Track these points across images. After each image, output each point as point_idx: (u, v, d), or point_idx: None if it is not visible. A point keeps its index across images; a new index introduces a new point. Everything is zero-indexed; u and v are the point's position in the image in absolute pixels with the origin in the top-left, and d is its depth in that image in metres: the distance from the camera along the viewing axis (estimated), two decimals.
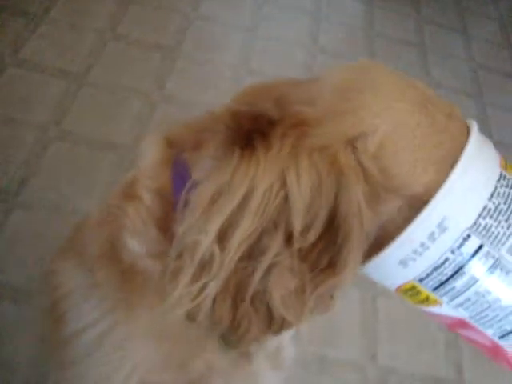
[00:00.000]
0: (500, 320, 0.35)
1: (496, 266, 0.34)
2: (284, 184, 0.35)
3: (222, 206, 0.36)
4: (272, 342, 0.57)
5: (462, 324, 0.37)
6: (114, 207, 0.49)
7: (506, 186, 0.35)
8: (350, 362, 1.13)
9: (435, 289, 0.36)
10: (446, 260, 0.35)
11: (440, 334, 1.23)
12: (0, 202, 1.15)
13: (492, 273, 0.34)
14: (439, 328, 1.24)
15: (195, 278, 0.38)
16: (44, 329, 0.56)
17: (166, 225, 0.42)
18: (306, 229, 0.35)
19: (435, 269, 0.35)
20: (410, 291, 0.38)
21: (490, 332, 0.36)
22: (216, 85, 1.51)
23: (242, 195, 0.35)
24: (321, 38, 1.87)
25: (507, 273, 0.34)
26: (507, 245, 0.34)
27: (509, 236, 0.34)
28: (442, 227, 0.34)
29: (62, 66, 1.46)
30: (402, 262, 0.36)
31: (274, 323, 0.40)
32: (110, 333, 0.49)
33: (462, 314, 0.37)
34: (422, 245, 0.35)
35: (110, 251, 0.48)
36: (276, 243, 0.36)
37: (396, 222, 0.37)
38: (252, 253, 0.36)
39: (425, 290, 0.37)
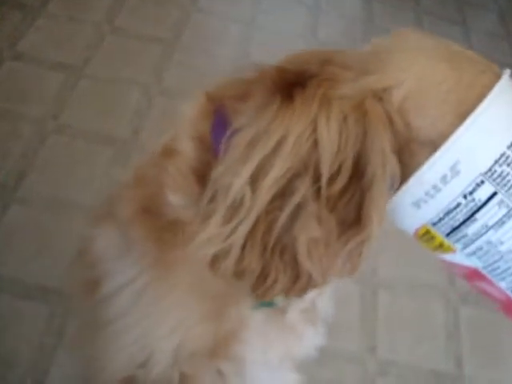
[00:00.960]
0: None
1: (510, 215, 0.33)
2: (315, 129, 0.36)
3: (257, 150, 0.37)
4: (306, 297, 0.57)
5: (476, 275, 0.37)
6: (152, 167, 0.51)
7: None
8: (349, 355, 1.13)
9: (448, 234, 0.36)
10: (458, 205, 0.34)
11: (440, 327, 1.23)
12: None
13: (505, 223, 0.33)
14: (439, 321, 1.24)
15: (226, 219, 0.39)
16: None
17: (206, 174, 0.43)
18: (334, 175, 0.37)
19: (447, 213, 0.35)
20: (425, 236, 0.38)
21: (503, 285, 0.36)
22: (215, 78, 1.50)
23: (277, 140, 0.37)
24: (320, 31, 1.86)
25: None
26: None
27: None
28: (455, 170, 0.34)
29: (59, 59, 1.45)
30: (415, 203, 0.36)
31: (300, 277, 0.41)
32: (149, 288, 0.50)
33: (475, 263, 0.36)
34: (435, 187, 0.35)
35: (149, 209, 0.50)
36: (304, 185, 0.37)
37: (413, 166, 0.38)
38: (282, 195, 0.38)
39: (438, 235, 0.36)
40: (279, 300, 0.55)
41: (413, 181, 0.35)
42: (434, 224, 0.36)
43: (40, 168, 1.22)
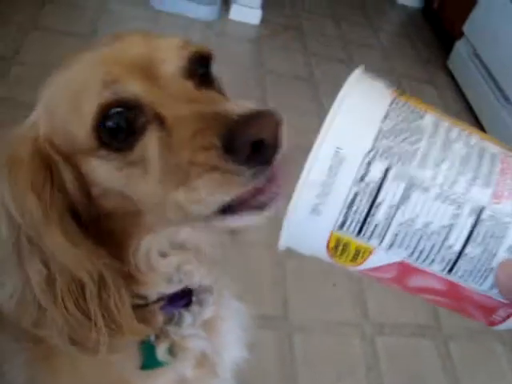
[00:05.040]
0: (439, 249, 0.32)
1: (411, 186, 0.31)
2: None
3: None
4: (193, 348, 0.59)
5: (407, 269, 0.34)
6: None
7: (401, 109, 0.33)
8: None
9: (359, 233, 0.33)
10: (357, 194, 0.32)
11: (359, 360, 1.24)
12: None
13: (410, 195, 0.31)
14: (357, 355, 1.25)
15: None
16: None
17: None
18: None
19: (349, 207, 0.32)
20: (339, 246, 0.34)
21: (436, 269, 0.33)
22: None
23: None
24: None
25: (426, 191, 0.31)
26: (415, 162, 0.31)
27: (414, 152, 0.32)
28: (339, 158, 0.31)
29: None
30: (314, 210, 0.33)
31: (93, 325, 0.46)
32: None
33: (399, 254, 0.33)
34: (324, 184, 0.32)
35: None
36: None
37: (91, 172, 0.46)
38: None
39: (350, 238, 0.33)
40: (162, 356, 0.56)
41: (300, 187, 0.32)
42: (342, 226, 0.33)
43: None
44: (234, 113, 0.39)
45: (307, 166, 0.32)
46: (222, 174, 0.39)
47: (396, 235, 0.32)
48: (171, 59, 0.46)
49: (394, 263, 0.34)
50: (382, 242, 0.33)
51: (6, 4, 1.89)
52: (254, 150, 0.38)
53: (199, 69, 0.48)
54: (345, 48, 2.39)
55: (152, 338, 0.55)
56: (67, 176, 0.46)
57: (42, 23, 1.86)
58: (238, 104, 0.40)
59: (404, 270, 0.34)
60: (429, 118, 0.33)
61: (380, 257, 0.34)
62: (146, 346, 0.55)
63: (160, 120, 0.43)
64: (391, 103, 0.34)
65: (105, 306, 0.46)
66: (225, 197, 0.40)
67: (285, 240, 0.36)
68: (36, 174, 0.45)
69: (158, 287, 0.53)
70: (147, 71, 0.44)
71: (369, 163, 0.31)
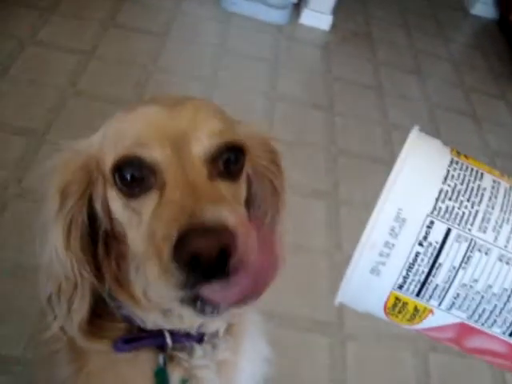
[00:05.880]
0: (501, 312, 0.32)
1: (472, 248, 0.31)
2: None
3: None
4: (206, 378, 0.62)
5: (466, 330, 0.34)
6: None
7: (460, 169, 0.34)
8: None
9: (418, 293, 0.33)
10: (417, 255, 0.32)
11: (410, 376, 1.23)
12: None
13: (471, 257, 0.32)
14: (409, 370, 1.24)
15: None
16: None
17: None
18: None
19: (410, 268, 0.32)
20: (397, 306, 0.34)
21: (497, 331, 0.33)
22: None
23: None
24: (280, 84, 1.91)
25: (487, 253, 0.32)
26: (477, 223, 0.32)
27: (475, 214, 0.32)
28: (401, 219, 0.32)
29: (22, 124, 1.46)
30: (374, 270, 0.33)
31: None
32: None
33: (458, 316, 0.33)
34: (386, 244, 0.32)
35: None
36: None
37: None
38: None
39: (409, 298, 0.33)
40: None
41: (361, 247, 0.33)
42: (401, 286, 0.33)
43: (3, 233, 1.21)
44: (203, 219, 0.43)
45: (369, 226, 0.33)
46: (161, 267, 0.43)
47: (456, 297, 0.32)
48: (203, 142, 0.51)
49: (453, 324, 0.34)
50: (441, 303, 0.33)
51: (89, 1, 1.98)
52: (194, 261, 0.41)
53: (228, 156, 0.52)
54: (414, 57, 2.35)
55: (160, 360, 0.59)
56: (100, 193, 0.54)
57: (120, 21, 1.94)
58: (218, 213, 0.43)
59: (463, 332, 0.34)
60: (488, 179, 0.34)
61: (438, 317, 0.34)
62: (158, 371, 0.59)
63: (162, 189, 0.48)
64: (450, 163, 0.34)
65: (69, 308, 0.55)
66: (163, 289, 0.45)
67: (341, 296, 0.36)
68: (72, 182, 0.54)
69: (153, 316, 0.58)
70: (178, 144, 0.50)
71: (430, 225, 0.32)
